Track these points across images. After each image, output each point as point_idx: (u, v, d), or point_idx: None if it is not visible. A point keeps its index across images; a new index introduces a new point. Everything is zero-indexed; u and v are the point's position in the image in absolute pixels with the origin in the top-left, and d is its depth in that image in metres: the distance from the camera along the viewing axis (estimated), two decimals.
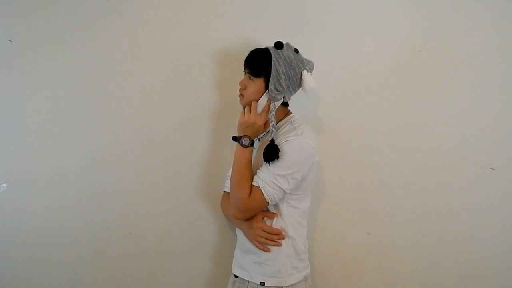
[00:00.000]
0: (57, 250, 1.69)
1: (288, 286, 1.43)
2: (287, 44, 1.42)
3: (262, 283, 1.43)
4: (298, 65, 1.40)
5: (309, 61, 1.43)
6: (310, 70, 1.42)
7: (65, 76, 1.67)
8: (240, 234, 1.52)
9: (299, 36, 1.67)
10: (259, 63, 1.41)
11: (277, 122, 1.46)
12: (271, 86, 1.39)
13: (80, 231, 1.69)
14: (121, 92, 1.70)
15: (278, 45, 1.40)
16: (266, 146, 1.37)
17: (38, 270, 1.68)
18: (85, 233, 1.70)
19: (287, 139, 1.37)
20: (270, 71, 1.38)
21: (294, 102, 1.53)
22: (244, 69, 1.46)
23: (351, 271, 1.74)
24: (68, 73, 1.67)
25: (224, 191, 1.63)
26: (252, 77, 1.43)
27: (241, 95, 1.46)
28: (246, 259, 1.49)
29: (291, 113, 1.50)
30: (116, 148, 1.70)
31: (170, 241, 1.73)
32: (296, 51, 1.42)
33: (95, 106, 1.69)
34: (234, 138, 1.44)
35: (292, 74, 1.39)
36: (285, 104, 1.49)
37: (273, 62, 1.38)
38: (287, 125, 1.45)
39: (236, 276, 1.53)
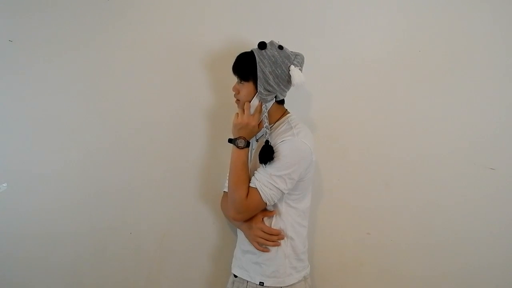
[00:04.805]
0: (57, 250, 1.69)
1: (287, 286, 1.43)
2: (271, 42, 1.41)
3: (261, 283, 1.43)
4: (284, 61, 1.38)
5: (296, 55, 1.41)
6: (299, 64, 1.40)
7: (65, 76, 1.67)
8: (240, 234, 1.52)
9: (299, 36, 1.68)
10: (244, 67, 1.41)
11: (274, 122, 1.47)
12: (259, 88, 1.39)
13: (80, 231, 1.70)
14: (122, 92, 1.70)
15: (261, 45, 1.39)
16: (261, 147, 1.37)
17: (38, 270, 1.68)
18: (85, 233, 1.70)
19: (283, 139, 1.37)
20: (257, 73, 1.38)
21: (294, 102, 1.53)
22: (234, 74, 1.46)
23: (351, 271, 1.74)
24: (67, 73, 1.67)
25: (224, 191, 1.63)
26: (242, 82, 1.43)
27: (237, 100, 1.47)
28: (246, 259, 1.49)
29: (289, 113, 1.50)
30: (116, 148, 1.70)
31: (170, 241, 1.73)
32: (281, 47, 1.40)
33: (94, 106, 1.69)
34: (230, 140, 1.44)
35: (279, 71, 1.38)
36: (280, 102, 1.48)
37: (257, 64, 1.38)
38: (284, 125, 1.44)
39: (235, 276, 1.53)
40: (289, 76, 1.38)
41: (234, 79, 1.47)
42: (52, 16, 1.66)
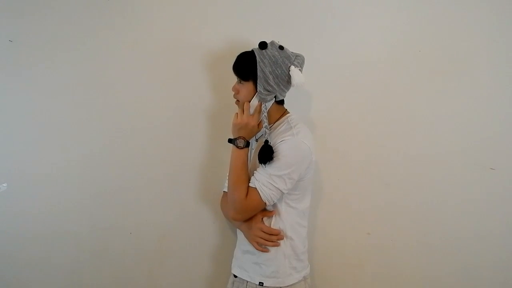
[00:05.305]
0: (57, 250, 1.69)
1: (287, 286, 1.43)
2: (272, 42, 1.41)
3: (261, 283, 1.43)
4: (284, 62, 1.38)
5: (297, 56, 1.41)
6: (299, 65, 1.39)
7: (65, 76, 1.67)
8: (240, 234, 1.52)
9: (300, 36, 1.68)
10: (245, 67, 1.41)
11: (274, 122, 1.47)
12: (259, 87, 1.39)
13: (80, 231, 1.70)
14: (121, 92, 1.70)
15: (262, 45, 1.39)
16: (261, 147, 1.37)
17: (38, 270, 1.68)
18: (85, 233, 1.70)
19: (282, 139, 1.37)
20: (257, 73, 1.38)
21: (294, 102, 1.53)
22: (234, 74, 1.46)
23: (351, 271, 1.74)
24: (67, 73, 1.67)
25: (224, 191, 1.63)
26: (242, 81, 1.43)
27: (237, 100, 1.47)
28: (245, 259, 1.49)
29: (288, 113, 1.50)
30: (116, 148, 1.70)
31: (170, 241, 1.73)
32: (281, 47, 1.40)
33: (94, 106, 1.69)
34: (230, 140, 1.44)
35: (279, 72, 1.38)
36: (280, 103, 1.48)
37: (258, 64, 1.38)
38: (283, 125, 1.44)
39: (235, 276, 1.53)
40: (289, 77, 1.38)
41: (234, 79, 1.47)
42: (52, 16, 1.66)
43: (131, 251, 1.72)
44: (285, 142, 1.36)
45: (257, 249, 1.43)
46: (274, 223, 1.43)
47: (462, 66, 1.68)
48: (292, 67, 1.38)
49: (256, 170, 1.41)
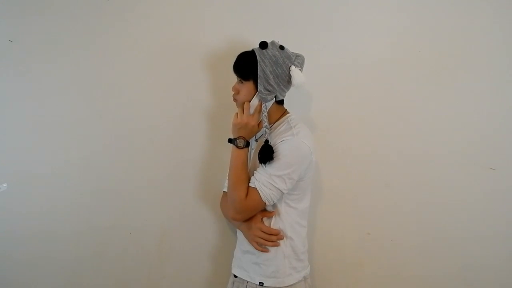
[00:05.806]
0: (57, 250, 1.69)
1: (287, 286, 1.43)
2: (272, 42, 1.41)
3: (261, 283, 1.43)
4: (284, 61, 1.38)
5: (297, 56, 1.41)
6: (300, 65, 1.40)
7: (65, 76, 1.67)
8: (240, 234, 1.52)
9: (300, 36, 1.68)
10: (245, 66, 1.41)
11: (274, 122, 1.47)
12: (260, 87, 1.39)
13: (80, 231, 1.70)
14: (121, 92, 1.70)
15: (263, 45, 1.40)
16: (261, 147, 1.37)
17: (38, 270, 1.68)
18: (85, 233, 1.70)
19: (282, 139, 1.37)
20: (257, 72, 1.38)
21: (294, 102, 1.53)
22: (234, 73, 1.46)
23: (351, 271, 1.74)
24: (67, 73, 1.68)
25: (223, 191, 1.63)
26: (242, 81, 1.43)
27: (235, 100, 1.47)
28: (245, 259, 1.49)
29: (288, 113, 1.50)
30: (116, 148, 1.70)
31: (170, 241, 1.73)
32: (282, 47, 1.40)
33: (94, 106, 1.69)
34: (230, 140, 1.44)
35: (280, 71, 1.38)
36: (280, 103, 1.48)
37: (258, 64, 1.38)
38: (283, 125, 1.44)
39: (235, 276, 1.53)
40: (290, 76, 1.39)
41: (234, 79, 1.47)
42: (52, 17, 1.66)
43: (131, 251, 1.72)
44: (285, 142, 1.36)
45: (256, 249, 1.43)
46: (274, 223, 1.43)
47: (462, 66, 1.68)
48: (293, 67, 1.38)
49: (256, 170, 1.41)
